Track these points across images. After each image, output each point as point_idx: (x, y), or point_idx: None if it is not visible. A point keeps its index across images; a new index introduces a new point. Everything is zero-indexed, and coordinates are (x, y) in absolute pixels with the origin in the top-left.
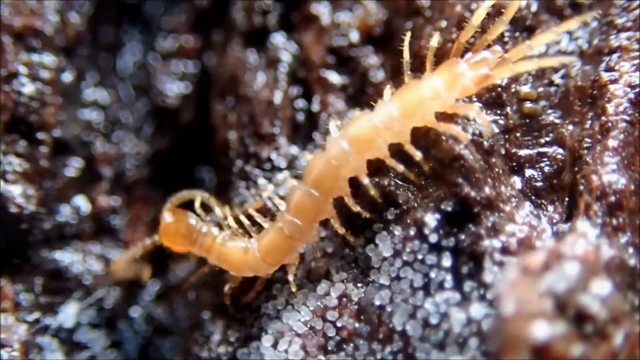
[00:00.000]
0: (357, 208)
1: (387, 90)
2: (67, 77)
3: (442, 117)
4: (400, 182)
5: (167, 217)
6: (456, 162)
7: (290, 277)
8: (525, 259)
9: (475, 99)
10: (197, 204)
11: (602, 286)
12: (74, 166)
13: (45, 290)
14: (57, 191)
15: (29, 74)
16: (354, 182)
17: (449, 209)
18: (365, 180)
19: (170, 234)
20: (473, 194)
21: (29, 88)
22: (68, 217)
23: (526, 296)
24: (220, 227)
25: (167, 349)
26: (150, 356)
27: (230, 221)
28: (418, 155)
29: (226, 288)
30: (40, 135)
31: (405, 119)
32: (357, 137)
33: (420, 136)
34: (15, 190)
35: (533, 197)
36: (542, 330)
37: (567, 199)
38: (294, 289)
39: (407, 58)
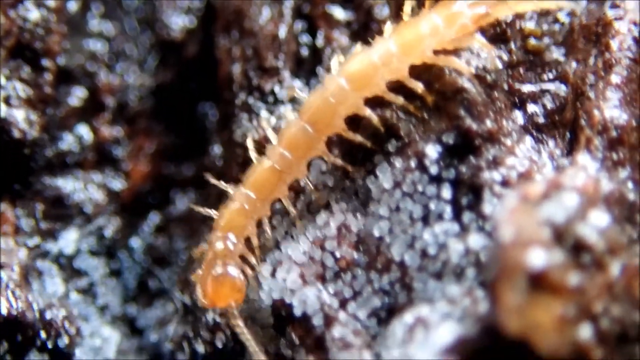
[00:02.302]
0: (358, 138)
1: (388, 27)
2: (73, 6)
3: (445, 50)
4: (402, 115)
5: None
6: (459, 95)
7: (291, 209)
8: (524, 187)
9: (479, 34)
10: None
11: (600, 217)
12: (77, 95)
13: (46, 216)
14: (60, 119)
15: (35, 1)
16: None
17: (450, 141)
18: (368, 112)
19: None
20: (474, 126)
21: (34, 14)
22: (70, 145)
23: (524, 224)
24: None
25: (166, 280)
26: (148, 286)
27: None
28: (420, 86)
29: None
30: (45, 62)
31: (403, 55)
32: (355, 75)
33: (423, 70)
34: (19, 115)
35: (534, 133)
36: (539, 257)
37: (568, 134)
38: (297, 222)
39: None
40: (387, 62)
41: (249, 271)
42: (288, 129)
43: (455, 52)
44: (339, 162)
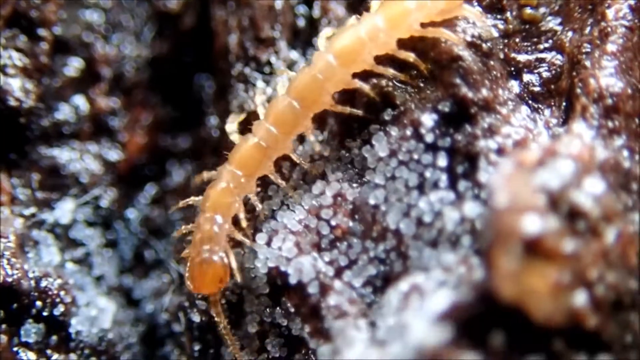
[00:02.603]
0: (347, 110)
1: (375, 2)
2: None
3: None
4: (397, 84)
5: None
6: (454, 63)
7: (282, 183)
8: (520, 154)
9: (475, 3)
10: None
11: (595, 185)
12: (73, 66)
13: (42, 186)
14: (56, 89)
15: None
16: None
17: (446, 109)
18: (358, 84)
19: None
20: (470, 94)
21: None
22: (67, 115)
23: (519, 190)
24: None
25: (162, 251)
26: (144, 257)
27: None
28: (411, 56)
29: None
30: (41, 32)
31: (390, 30)
32: (342, 51)
33: (418, 39)
34: (15, 84)
35: (530, 102)
36: (533, 224)
37: (564, 103)
38: (290, 193)
39: None
40: (374, 37)
41: (232, 259)
42: (275, 104)
43: (450, 21)
44: (317, 147)
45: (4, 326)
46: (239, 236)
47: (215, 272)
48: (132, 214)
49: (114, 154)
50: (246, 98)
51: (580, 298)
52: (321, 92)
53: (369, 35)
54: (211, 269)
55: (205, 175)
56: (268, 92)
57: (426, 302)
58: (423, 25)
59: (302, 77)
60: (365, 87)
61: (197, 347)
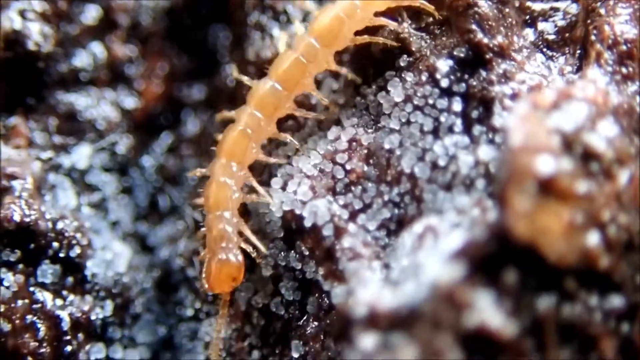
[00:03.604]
0: (343, 70)
1: None
2: None
3: None
4: (413, 31)
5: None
6: (470, 10)
7: (288, 139)
8: (535, 95)
9: None
10: None
11: (609, 128)
12: (91, 13)
13: (59, 131)
14: (73, 36)
15: None
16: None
17: (462, 55)
18: (335, 67)
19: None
20: (486, 40)
21: None
22: (84, 62)
23: (534, 131)
24: None
25: (177, 197)
26: (159, 205)
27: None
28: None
29: None
30: None
31: (367, 5)
32: (323, 31)
33: None
34: (34, 28)
35: (545, 49)
36: (548, 164)
37: (578, 51)
38: (297, 146)
39: None
40: (351, 14)
41: (249, 248)
42: (258, 87)
43: None
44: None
45: (21, 266)
46: (254, 184)
47: (230, 271)
48: (147, 161)
49: (130, 102)
50: (262, 46)
51: (592, 238)
52: (304, 75)
53: (346, 13)
54: (226, 268)
55: (225, 114)
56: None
57: (440, 242)
58: None
59: (285, 59)
60: (344, 71)
61: None
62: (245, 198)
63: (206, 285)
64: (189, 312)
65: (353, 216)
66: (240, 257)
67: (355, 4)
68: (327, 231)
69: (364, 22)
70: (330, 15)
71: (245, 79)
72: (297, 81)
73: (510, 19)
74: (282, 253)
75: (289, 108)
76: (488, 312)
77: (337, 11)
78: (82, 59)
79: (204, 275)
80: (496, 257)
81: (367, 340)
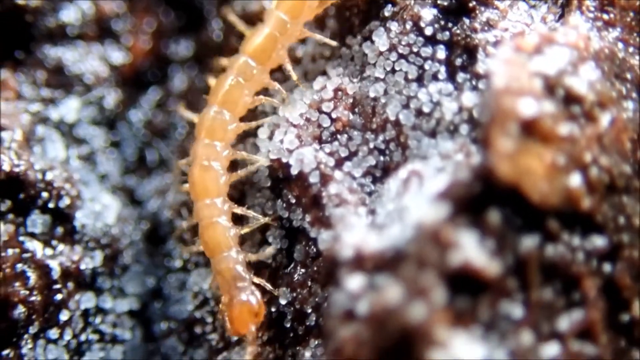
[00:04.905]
0: (320, 37)
1: None
2: None
3: None
4: None
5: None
6: None
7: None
8: (518, 39)
9: None
10: None
11: (590, 71)
12: None
13: (47, 84)
14: None
15: None
16: None
17: (445, 3)
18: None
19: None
20: None
21: None
22: (72, 17)
23: (517, 74)
24: None
25: (165, 151)
26: (147, 159)
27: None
28: None
29: None
30: None
31: None
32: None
33: None
34: None
35: None
36: (530, 106)
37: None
38: (284, 95)
39: None
40: None
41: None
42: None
43: None
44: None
45: (10, 216)
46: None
47: (251, 311)
48: (135, 116)
49: (118, 57)
50: (249, 1)
51: (575, 179)
52: (275, 48)
53: None
54: (246, 308)
55: (223, 61)
56: None
57: (425, 185)
58: None
59: (257, 36)
60: (320, 38)
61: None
62: (234, 155)
63: (232, 331)
64: (178, 264)
65: (339, 164)
66: (258, 293)
67: None
68: (314, 178)
69: None
70: None
71: (240, 26)
72: (269, 55)
73: None
74: (269, 202)
75: (281, 57)
76: (472, 251)
77: None
78: (69, 14)
79: (227, 321)
80: (480, 198)
81: (353, 282)
